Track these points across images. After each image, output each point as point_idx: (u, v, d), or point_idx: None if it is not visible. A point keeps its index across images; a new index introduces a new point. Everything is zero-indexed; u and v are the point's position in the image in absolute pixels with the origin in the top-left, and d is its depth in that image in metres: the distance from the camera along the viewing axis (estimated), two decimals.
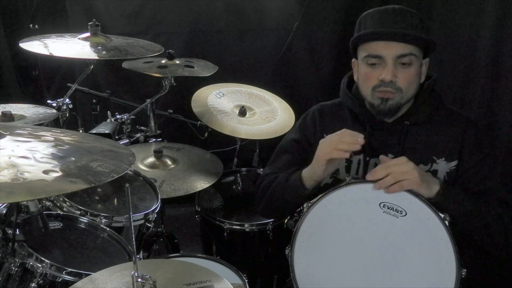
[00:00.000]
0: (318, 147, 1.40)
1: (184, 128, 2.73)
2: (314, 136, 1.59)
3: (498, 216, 1.35)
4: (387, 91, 1.39)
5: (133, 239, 1.10)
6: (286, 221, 1.40)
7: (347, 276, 1.27)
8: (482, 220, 1.33)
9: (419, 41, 1.39)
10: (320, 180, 1.43)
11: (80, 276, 1.27)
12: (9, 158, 0.94)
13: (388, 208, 1.26)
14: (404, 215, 1.25)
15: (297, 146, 1.61)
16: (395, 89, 1.39)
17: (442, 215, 1.22)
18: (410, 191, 1.27)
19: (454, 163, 1.44)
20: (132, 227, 1.12)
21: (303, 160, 1.57)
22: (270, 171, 1.60)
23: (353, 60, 1.53)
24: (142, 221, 1.70)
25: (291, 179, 1.47)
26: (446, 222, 1.22)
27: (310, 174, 1.42)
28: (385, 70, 1.38)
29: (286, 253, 1.30)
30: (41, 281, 1.26)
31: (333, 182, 1.52)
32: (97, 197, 1.74)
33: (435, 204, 1.26)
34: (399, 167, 1.27)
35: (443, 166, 1.44)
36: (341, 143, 1.34)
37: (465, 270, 1.21)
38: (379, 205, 1.27)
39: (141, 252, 1.81)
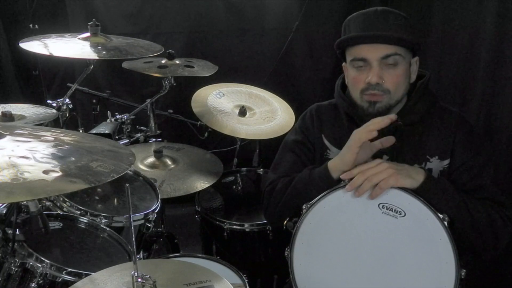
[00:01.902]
0: (350, 137, 1.37)
1: (184, 128, 2.73)
2: (314, 135, 1.59)
3: (487, 214, 1.34)
4: (375, 93, 1.40)
5: (133, 239, 1.10)
6: (285, 222, 1.39)
7: (346, 276, 1.27)
8: (470, 215, 1.32)
9: (401, 42, 1.38)
10: (348, 170, 1.37)
11: (80, 276, 1.27)
12: (9, 158, 0.94)
13: (387, 209, 1.27)
14: (403, 216, 1.25)
15: (301, 147, 1.59)
16: (382, 91, 1.39)
17: (441, 216, 1.22)
18: (408, 191, 1.27)
19: (447, 161, 1.44)
20: (132, 227, 1.12)
21: (308, 160, 1.57)
22: (278, 175, 1.56)
23: (343, 64, 1.53)
24: (142, 221, 1.70)
25: (315, 174, 1.43)
26: (445, 223, 1.22)
27: (339, 164, 1.38)
28: (371, 72, 1.38)
29: (286, 254, 1.30)
30: (41, 281, 1.26)
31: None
32: (97, 197, 1.74)
33: (423, 195, 1.27)
34: (372, 170, 1.29)
35: (436, 164, 1.45)
36: (372, 124, 1.32)
37: (465, 270, 1.21)
38: (378, 206, 1.27)
39: (141, 252, 1.81)
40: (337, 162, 1.40)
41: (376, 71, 1.38)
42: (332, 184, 1.37)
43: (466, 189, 1.39)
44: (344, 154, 1.38)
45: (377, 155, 1.40)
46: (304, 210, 1.31)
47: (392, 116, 1.32)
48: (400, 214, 1.25)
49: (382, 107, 1.41)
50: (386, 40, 1.37)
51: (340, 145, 1.53)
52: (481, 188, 1.40)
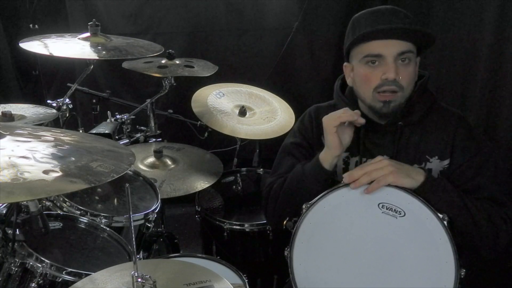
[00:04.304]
0: (323, 123, 1.43)
1: (184, 128, 2.73)
2: (313, 137, 1.59)
3: (487, 213, 1.34)
4: (390, 89, 1.38)
5: (133, 239, 1.11)
6: (285, 222, 1.39)
7: (346, 276, 1.27)
8: (470, 215, 1.32)
9: (419, 36, 1.37)
10: (337, 155, 1.40)
11: (80, 276, 1.27)
12: (9, 158, 0.95)
13: (387, 209, 1.27)
14: (403, 216, 1.25)
15: (299, 149, 1.59)
16: (398, 86, 1.37)
17: (441, 215, 1.23)
18: (407, 191, 1.27)
19: (447, 161, 1.44)
20: (132, 227, 1.12)
21: None
22: (276, 178, 1.57)
23: (345, 64, 1.50)
24: (142, 221, 1.70)
25: (307, 167, 1.45)
26: (445, 222, 1.22)
27: (326, 153, 1.41)
28: (388, 68, 1.36)
29: (285, 254, 1.30)
30: (41, 281, 1.26)
31: (331, 184, 1.52)
32: (97, 197, 1.74)
33: (423, 195, 1.27)
34: (373, 165, 1.30)
35: (436, 164, 1.44)
36: (344, 114, 1.40)
37: (464, 270, 1.21)
38: (378, 205, 1.27)
39: (141, 252, 1.81)
40: (325, 151, 1.43)
41: (393, 66, 1.36)
42: (325, 175, 1.40)
43: (466, 189, 1.39)
44: (327, 140, 1.42)
45: (376, 153, 1.41)
46: (304, 210, 1.31)
47: (359, 118, 1.40)
48: (400, 214, 1.25)
49: (396, 106, 1.40)
50: (404, 34, 1.35)
51: None
52: (481, 188, 1.40)
